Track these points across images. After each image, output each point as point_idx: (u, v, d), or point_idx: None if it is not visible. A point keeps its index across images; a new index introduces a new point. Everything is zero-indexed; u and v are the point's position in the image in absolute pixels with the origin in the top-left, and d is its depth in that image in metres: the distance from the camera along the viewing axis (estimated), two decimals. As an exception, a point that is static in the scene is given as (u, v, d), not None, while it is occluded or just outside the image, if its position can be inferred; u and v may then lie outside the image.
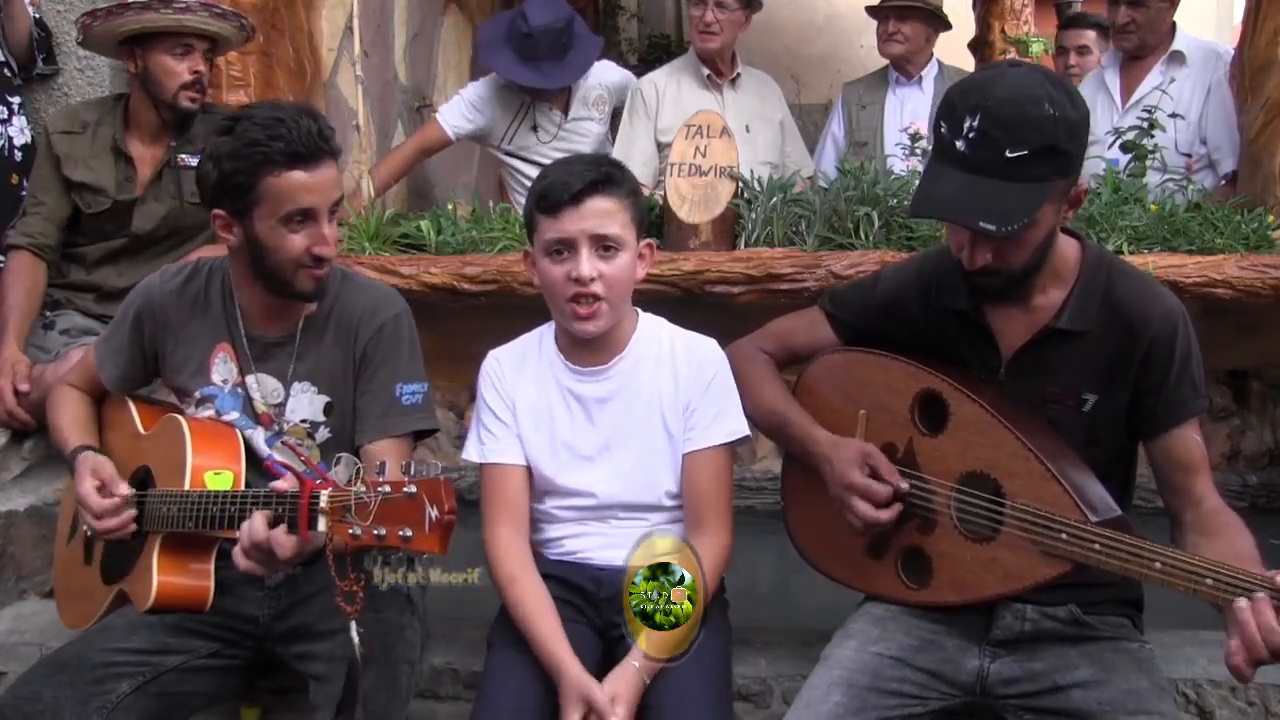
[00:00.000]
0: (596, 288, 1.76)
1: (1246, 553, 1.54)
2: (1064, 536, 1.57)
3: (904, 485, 1.72)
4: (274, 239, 1.77)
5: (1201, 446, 1.69)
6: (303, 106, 1.79)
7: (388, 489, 1.46)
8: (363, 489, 1.48)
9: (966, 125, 1.55)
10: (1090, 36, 4.30)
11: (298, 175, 1.72)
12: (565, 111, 3.73)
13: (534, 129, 3.71)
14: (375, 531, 1.46)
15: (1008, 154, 1.53)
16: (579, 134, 3.74)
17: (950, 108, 1.59)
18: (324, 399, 1.90)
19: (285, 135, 1.71)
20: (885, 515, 1.71)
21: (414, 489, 1.45)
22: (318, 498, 1.53)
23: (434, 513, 1.44)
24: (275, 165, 1.72)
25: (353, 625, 1.53)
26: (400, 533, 1.45)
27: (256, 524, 1.58)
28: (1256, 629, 1.39)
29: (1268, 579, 1.40)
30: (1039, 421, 1.69)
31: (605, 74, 3.84)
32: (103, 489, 1.84)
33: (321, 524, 1.52)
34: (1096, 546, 1.54)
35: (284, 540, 1.56)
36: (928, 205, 1.66)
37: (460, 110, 3.70)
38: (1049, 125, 1.53)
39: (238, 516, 1.68)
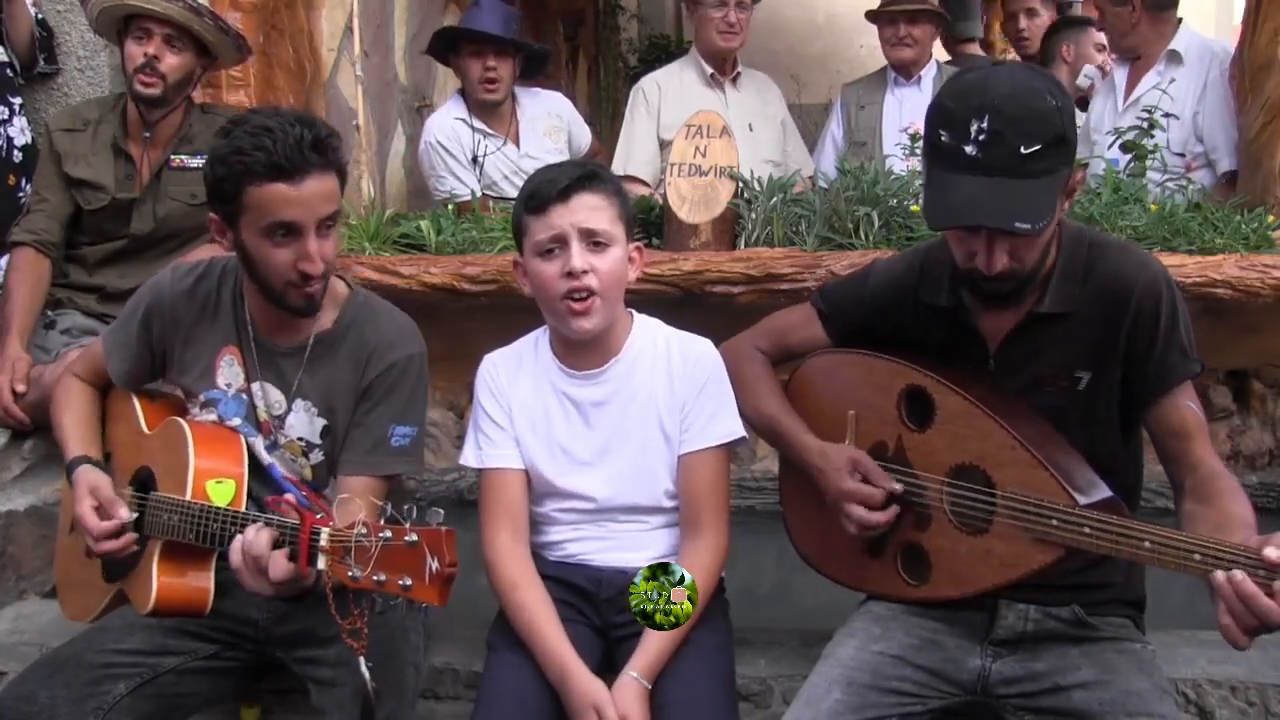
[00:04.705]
0: (589, 280, 1.76)
1: (1240, 517, 1.52)
2: (1054, 522, 1.57)
3: (896, 487, 1.72)
4: (259, 251, 1.73)
5: (1195, 412, 1.67)
6: (301, 115, 1.73)
7: (389, 535, 1.45)
8: (364, 531, 1.46)
9: (974, 128, 1.52)
10: None
11: (279, 188, 1.66)
12: (517, 144, 3.66)
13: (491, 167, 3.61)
14: (375, 577, 1.45)
15: (1022, 150, 1.51)
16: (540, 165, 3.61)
17: (948, 114, 1.55)
18: (322, 422, 1.88)
19: (268, 146, 1.64)
20: (880, 517, 1.72)
21: (415, 538, 1.43)
22: (318, 534, 1.52)
23: (434, 564, 1.42)
24: (256, 176, 1.66)
25: (361, 661, 1.52)
26: (400, 581, 1.43)
27: (261, 539, 1.57)
28: (1236, 599, 1.37)
29: (1253, 551, 1.38)
30: (1024, 409, 1.68)
31: (552, 104, 3.82)
32: (100, 510, 1.82)
33: (321, 561, 1.51)
34: (1086, 530, 1.54)
35: (281, 562, 1.55)
36: (950, 214, 1.57)
37: (456, 174, 3.54)
38: (1054, 116, 1.53)
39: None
